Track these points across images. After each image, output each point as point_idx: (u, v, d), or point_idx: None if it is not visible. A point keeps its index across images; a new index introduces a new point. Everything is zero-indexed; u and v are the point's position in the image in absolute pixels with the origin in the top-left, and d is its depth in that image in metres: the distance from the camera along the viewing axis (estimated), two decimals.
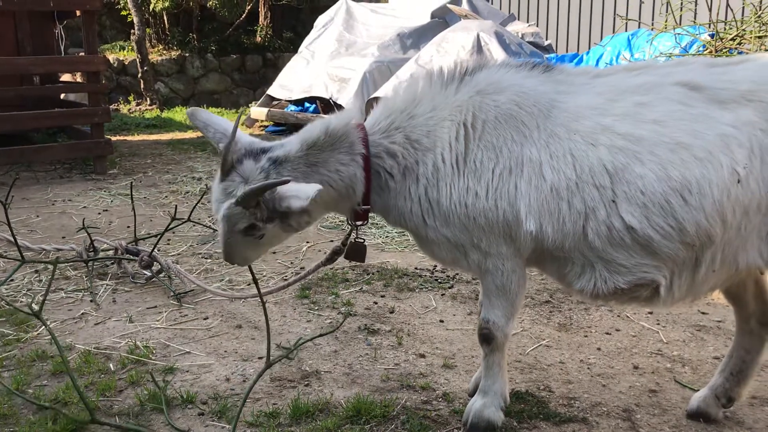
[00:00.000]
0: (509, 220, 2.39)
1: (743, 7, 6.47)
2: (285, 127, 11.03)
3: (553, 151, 2.35)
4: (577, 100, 2.42)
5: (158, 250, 4.46)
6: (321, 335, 3.00)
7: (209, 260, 4.72)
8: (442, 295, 4.09)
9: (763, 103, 2.29)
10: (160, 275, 4.24)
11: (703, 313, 3.80)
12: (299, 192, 2.31)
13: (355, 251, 2.81)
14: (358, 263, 4.35)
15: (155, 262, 4.27)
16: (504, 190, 2.38)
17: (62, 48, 9.38)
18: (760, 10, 6.14)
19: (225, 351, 3.36)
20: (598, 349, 3.37)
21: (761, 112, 2.28)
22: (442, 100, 2.51)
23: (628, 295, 2.44)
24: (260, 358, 3.25)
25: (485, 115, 2.44)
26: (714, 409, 2.72)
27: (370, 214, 2.64)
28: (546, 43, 10.38)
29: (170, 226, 4.34)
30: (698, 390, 2.83)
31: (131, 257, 4.37)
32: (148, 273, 4.27)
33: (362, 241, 2.78)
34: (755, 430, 2.67)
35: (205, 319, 3.75)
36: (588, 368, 3.18)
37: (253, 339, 3.47)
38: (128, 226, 5.38)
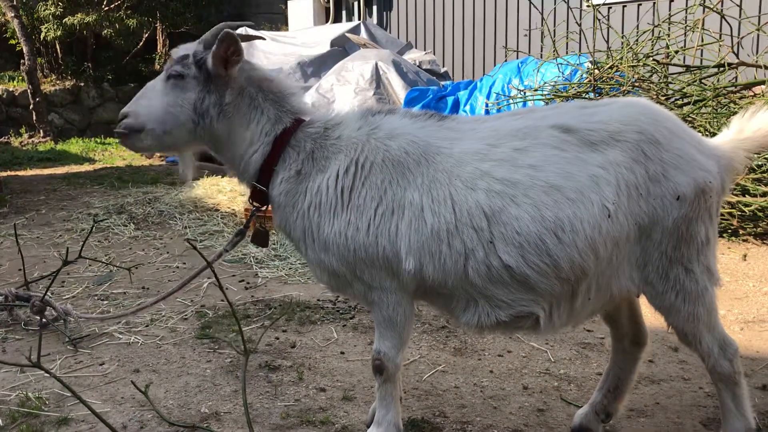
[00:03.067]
0: (389, 257, 2.52)
1: (622, 40, 6.93)
2: None
3: (435, 196, 2.49)
4: (462, 146, 2.57)
5: (51, 294, 4.33)
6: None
7: (105, 302, 4.62)
8: (344, 326, 4.16)
9: (628, 143, 2.49)
10: (57, 323, 4.11)
11: (588, 330, 4.04)
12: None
13: (258, 236, 2.87)
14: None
15: (48, 307, 4.14)
16: (384, 229, 2.52)
17: None
18: (634, 43, 6.61)
19: (122, 397, 3.30)
20: (491, 371, 3.53)
21: (627, 150, 2.48)
22: (349, 133, 2.66)
23: (511, 327, 2.60)
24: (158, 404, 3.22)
25: (374, 157, 2.58)
26: (595, 425, 2.91)
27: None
28: (442, 70, 10.72)
29: (62, 268, 4.22)
30: (581, 407, 3.03)
31: (22, 303, 4.22)
32: (41, 319, 4.12)
33: (265, 228, 2.85)
34: None
35: (101, 364, 3.68)
36: (481, 391, 3.32)
37: (151, 383, 3.43)
38: (19, 269, 5.18)
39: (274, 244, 5.82)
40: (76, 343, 3.92)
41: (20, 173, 10.07)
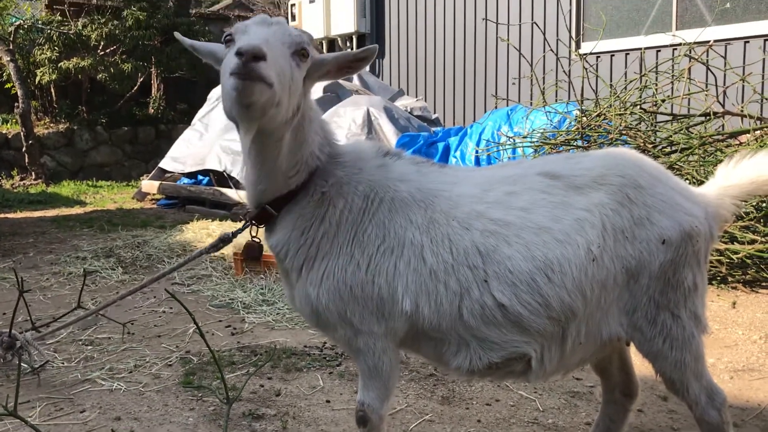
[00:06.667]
0: (384, 297, 2.48)
1: (609, 88, 7.03)
2: (177, 200, 10.89)
3: (434, 236, 2.49)
4: (458, 190, 2.60)
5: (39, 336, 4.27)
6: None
7: (90, 347, 4.56)
8: (330, 373, 4.11)
9: (612, 186, 2.52)
10: (45, 365, 4.08)
11: (577, 379, 3.99)
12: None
13: (251, 248, 2.75)
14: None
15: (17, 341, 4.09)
16: (383, 267, 2.48)
17: None
18: (621, 91, 6.72)
19: None
20: (479, 421, 3.48)
21: (611, 193, 2.52)
22: (369, 170, 2.59)
23: (503, 370, 2.56)
24: None
25: (384, 195, 2.55)
26: None
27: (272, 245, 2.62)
28: (433, 116, 10.84)
29: (67, 317, 4.21)
30: None
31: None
32: (8, 356, 4.09)
33: (258, 241, 2.75)
34: None
35: (81, 412, 3.61)
36: None
37: (132, 431, 3.37)
38: (4, 313, 5.13)
39: (262, 289, 5.78)
40: (39, 372, 3.92)
41: (10, 215, 10.03)
